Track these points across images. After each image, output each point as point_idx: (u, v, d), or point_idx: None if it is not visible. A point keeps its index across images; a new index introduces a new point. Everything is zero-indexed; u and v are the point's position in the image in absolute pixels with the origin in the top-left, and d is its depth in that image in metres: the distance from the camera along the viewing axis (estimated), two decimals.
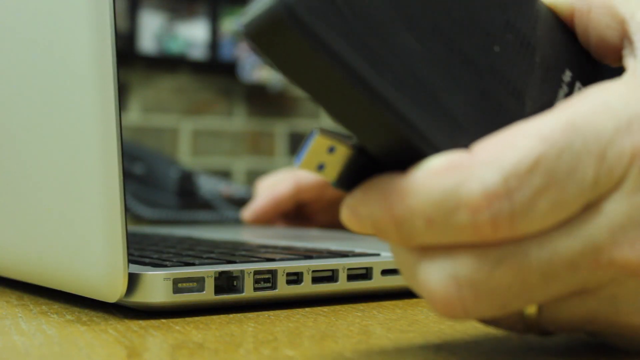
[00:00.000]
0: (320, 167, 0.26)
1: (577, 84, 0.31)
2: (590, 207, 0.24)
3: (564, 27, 0.32)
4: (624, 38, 0.30)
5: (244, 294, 0.37)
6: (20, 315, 0.36)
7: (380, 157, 0.26)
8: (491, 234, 0.23)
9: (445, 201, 0.24)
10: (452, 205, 0.23)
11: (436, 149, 0.25)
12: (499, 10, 0.28)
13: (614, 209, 0.24)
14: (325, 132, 0.26)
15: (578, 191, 0.24)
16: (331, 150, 0.25)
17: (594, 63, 0.32)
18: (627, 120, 0.24)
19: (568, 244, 0.24)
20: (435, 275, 0.24)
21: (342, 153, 0.26)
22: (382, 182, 0.25)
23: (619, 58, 0.30)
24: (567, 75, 0.30)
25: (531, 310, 0.26)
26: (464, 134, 0.25)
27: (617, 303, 0.25)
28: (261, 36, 0.24)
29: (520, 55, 0.28)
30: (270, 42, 0.24)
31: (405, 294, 0.42)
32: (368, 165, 0.26)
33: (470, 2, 0.27)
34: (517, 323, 0.27)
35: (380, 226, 0.25)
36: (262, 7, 0.23)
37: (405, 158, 0.25)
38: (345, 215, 0.26)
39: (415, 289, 0.26)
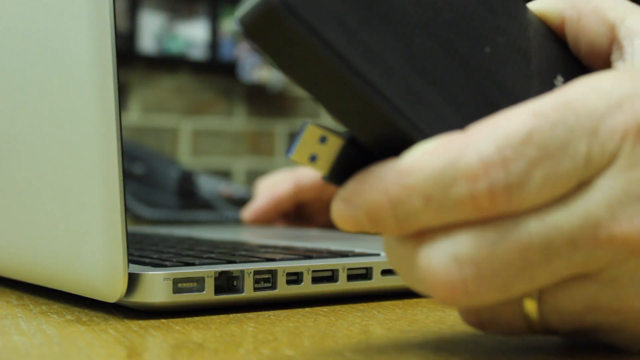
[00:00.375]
0: (313, 159, 0.26)
1: None
2: (587, 183, 0.24)
3: (554, 35, 0.32)
4: (614, 43, 0.30)
5: (244, 294, 0.37)
6: (20, 315, 0.36)
7: (372, 148, 0.26)
8: (489, 206, 0.24)
9: (442, 175, 0.24)
10: (450, 178, 0.24)
11: (428, 137, 0.25)
12: (489, 14, 0.29)
13: (610, 185, 0.24)
14: (317, 123, 0.26)
15: (572, 165, 0.24)
16: (323, 140, 0.26)
17: (586, 71, 0.32)
18: (618, 99, 0.25)
19: (567, 220, 0.24)
20: (435, 258, 0.24)
21: (334, 144, 0.26)
22: (376, 168, 0.25)
23: (609, 64, 0.31)
24: (559, 81, 0.31)
25: (531, 305, 0.26)
26: (455, 126, 0.26)
27: (618, 286, 0.25)
28: (256, 28, 0.24)
29: (512, 58, 0.29)
30: (265, 33, 0.24)
31: (405, 294, 0.42)
32: (360, 158, 0.26)
33: (461, 5, 0.28)
34: (517, 320, 0.27)
35: (376, 212, 0.25)
36: (254, 0, 0.24)
37: (397, 149, 0.25)
38: (338, 208, 0.26)
39: (415, 282, 0.26)
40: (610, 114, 0.24)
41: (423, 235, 0.25)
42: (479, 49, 0.28)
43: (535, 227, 0.24)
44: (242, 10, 0.24)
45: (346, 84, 0.24)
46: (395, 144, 0.25)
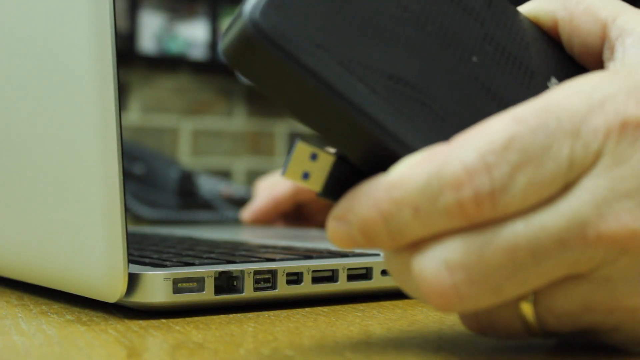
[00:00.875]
0: (305, 176, 0.26)
1: None
2: (573, 184, 0.24)
3: (548, 37, 0.32)
4: (605, 42, 0.31)
5: (244, 294, 0.37)
6: (20, 315, 0.36)
7: (362, 166, 0.26)
8: (475, 213, 0.24)
9: (428, 186, 0.24)
10: (435, 188, 0.24)
11: (414, 151, 0.26)
12: (476, 23, 0.29)
13: (595, 184, 0.24)
14: (307, 141, 0.27)
15: (555, 168, 0.24)
16: (314, 157, 0.26)
17: (581, 70, 0.32)
18: (599, 99, 0.25)
19: (554, 221, 0.24)
20: (427, 265, 0.25)
21: (326, 161, 0.26)
22: (366, 184, 0.26)
23: (602, 64, 0.31)
24: (553, 83, 0.31)
25: (527, 307, 0.26)
26: (442, 138, 0.26)
27: (612, 285, 0.25)
28: (238, 58, 0.25)
29: (501, 65, 0.29)
30: (247, 63, 0.25)
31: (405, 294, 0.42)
32: (352, 174, 0.27)
33: (445, 17, 0.28)
34: (515, 323, 0.27)
35: (369, 228, 0.25)
36: (234, 32, 0.25)
37: (386, 164, 0.26)
38: (332, 227, 0.26)
39: (412, 290, 0.26)
40: (592, 115, 0.25)
41: (415, 245, 0.25)
42: (466, 59, 0.28)
43: (522, 229, 0.24)
44: (224, 42, 0.25)
45: (329, 106, 0.25)
46: (383, 160, 0.26)
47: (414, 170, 0.25)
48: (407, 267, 0.26)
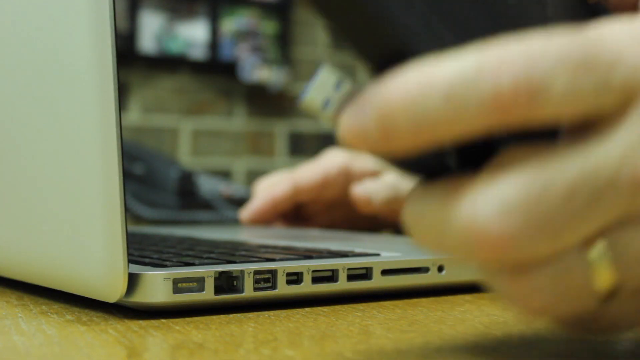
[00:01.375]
0: (326, 104, 0.24)
1: None
2: (615, 121, 0.24)
3: None
4: None
5: (244, 294, 0.37)
6: (20, 315, 0.36)
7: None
8: (511, 104, 0.23)
9: (465, 72, 0.23)
10: (472, 74, 0.23)
11: None
12: None
13: None
14: (334, 67, 0.25)
15: (592, 86, 0.23)
16: (338, 86, 0.24)
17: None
18: None
19: (607, 161, 0.23)
20: (481, 209, 0.23)
21: (350, 92, 0.24)
22: (395, 74, 0.24)
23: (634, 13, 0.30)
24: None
25: (602, 264, 0.25)
26: None
27: None
28: None
29: (533, 9, 0.28)
30: None
31: (405, 294, 0.42)
32: None
33: None
34: (585, 288, 0.25)
35: (388, 114, 0.23)
36: None
37: None
38: (346, 117, 0.24)
39: (450, 244, 0.25)
40: (634, 48, 0.24)
41: (462, 189, 0.24)
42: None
43: (579, 170, 0.23)
44: None
45: (365, 14, 0.23)
46: None
47: (450, 59, 0.23)
48: (447, 214, 0.24)
